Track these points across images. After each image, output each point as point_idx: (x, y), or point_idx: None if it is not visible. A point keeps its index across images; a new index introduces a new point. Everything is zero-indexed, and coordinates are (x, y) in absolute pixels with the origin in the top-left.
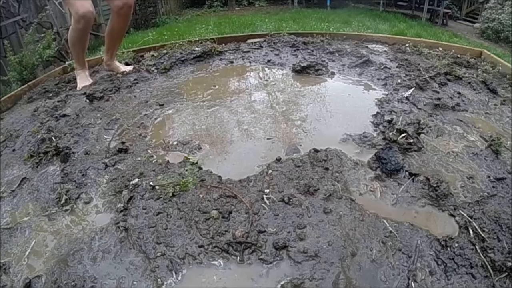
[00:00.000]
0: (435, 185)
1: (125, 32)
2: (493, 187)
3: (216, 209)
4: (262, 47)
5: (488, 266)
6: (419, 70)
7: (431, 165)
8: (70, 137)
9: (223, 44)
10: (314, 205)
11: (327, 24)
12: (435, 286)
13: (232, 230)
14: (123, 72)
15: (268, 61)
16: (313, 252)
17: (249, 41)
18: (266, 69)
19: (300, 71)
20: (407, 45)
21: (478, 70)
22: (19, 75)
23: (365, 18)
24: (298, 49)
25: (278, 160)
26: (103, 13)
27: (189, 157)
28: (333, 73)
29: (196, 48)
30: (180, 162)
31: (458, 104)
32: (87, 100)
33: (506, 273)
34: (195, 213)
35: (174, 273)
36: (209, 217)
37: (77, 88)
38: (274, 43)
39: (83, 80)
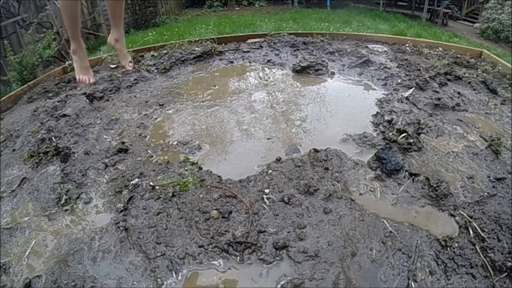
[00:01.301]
0: (435, 185)
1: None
2: (493, 187)
3: (216, 209)
4: (262, 47)
5: (488, 266)
6: (419, 70)
7: (431, 165)
8: (70, 137)
9: (223, 44)
10: (314, 205)
11: (327, 24)
12: (435, 286)
13: (232, 230)
14: (123, 71)
15: (268, 61)
16: (313, 252)
17: (249, 41)
18: (266, 69)
19: (300, 71)
20: (407, 45)
21: (478, 70)
22: (19, 75)
23: (365, 18)
24: (298, 49)
25: (278, 160)
26: (103, 13)
27: (189, 157)
28: (333, 73)
29: (196, 48)
30: (180, 162)
31: (458, 104)
32: (87, 100)
33: (506, 273)
34: (195, 213)
35: (174, 273)
36: (209, 217)
37: (77, 80)
38: (274, 43)
39: (83, 70)
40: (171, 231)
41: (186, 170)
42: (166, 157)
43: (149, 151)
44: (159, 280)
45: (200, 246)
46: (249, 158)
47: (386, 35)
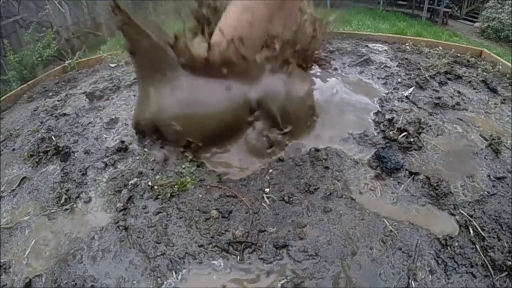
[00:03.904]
0: (435, 184)
1: None
2: (493, 186)
3: (216, 209)
4: None
5: (488, 265)
6: (419, 69)
7: (431, 164)
8: (70, 136)
9: None
10: (314, 204)
11: None
12: (435, 285)
13: (232, 230)
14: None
15: None
16: (313, 251)
17: None
18: None
19: None
20: (407, 44)
21: (478, 69)
22: (19, 75)
23: (365, 17)
24: None
25: (279, 159)
26: (103, 12)
27: (189, 156)
28: (333, 72)
29: None
30: (178, 160)
31: (458, 103)
32: (87, 99)
33: (506, 272)
34: (195, 213)
35: (174, 273)
36: (209, 216)
37: None
38: None
39: None
40: (171, 231)
41: (184, 168)
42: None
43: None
44: (159, 279)
45: (200, 246)
46: (249, 157)
47: (386, 34)
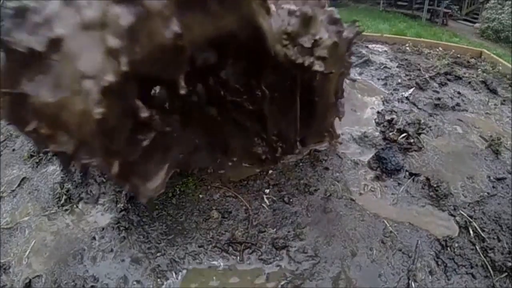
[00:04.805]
0: (435, 185)
1: None
2: (493, 187)
3: (216, 209)
4: None
5: (488, 266)
6: (419, 70)
7: (431, 165)
8: None
9: None
10: (313, 204)
11: None
12: (435, 286)
13: (232, 230)
14: None
15: None
16: (313, 252)
17: None
18: None
19: None
20: (407, 45)
21: (478, 70)
22: None
23: (365, 17)
24: None
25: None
26: None
27: None
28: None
29: None
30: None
31: (458, 104)
32: None
33: (506, 273)
34: (195, 213)
35: (174, 273)
36: (208, 217)
37: None
38: None
39: None
40: (171, 231)
41: None
42: None
43: None
44: (159, 280)
45: (200, 246)
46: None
47: (386, 35)
